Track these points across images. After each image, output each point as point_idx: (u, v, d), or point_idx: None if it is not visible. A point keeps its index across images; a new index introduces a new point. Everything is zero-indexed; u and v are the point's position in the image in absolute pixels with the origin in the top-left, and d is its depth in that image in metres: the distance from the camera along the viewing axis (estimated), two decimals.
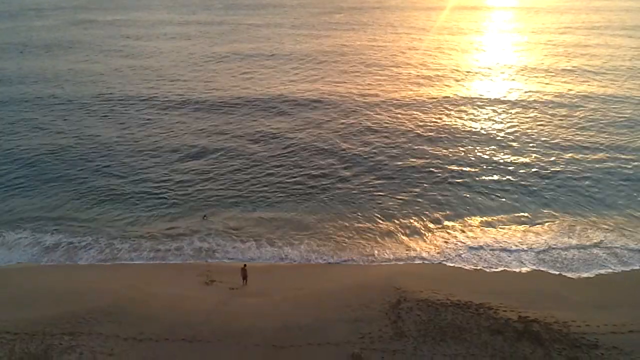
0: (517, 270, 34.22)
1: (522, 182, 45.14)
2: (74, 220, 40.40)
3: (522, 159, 48.97)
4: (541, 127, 55.37)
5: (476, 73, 75.13)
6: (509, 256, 35.61)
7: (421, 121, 57.14)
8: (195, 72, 78.80)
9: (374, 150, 50.68)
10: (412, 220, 40.01)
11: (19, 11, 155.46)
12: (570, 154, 49.90)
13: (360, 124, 56.48)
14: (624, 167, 47.17)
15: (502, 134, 54.30)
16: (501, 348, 24.51)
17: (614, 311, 28.17)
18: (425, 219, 40.11)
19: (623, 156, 49.31)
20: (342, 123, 56.74)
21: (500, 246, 36.74)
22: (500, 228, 38.88)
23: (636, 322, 26.64)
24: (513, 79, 72.36)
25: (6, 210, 41.57)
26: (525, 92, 66.40)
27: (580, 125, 55.66)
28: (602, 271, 33.78)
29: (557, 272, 33.85)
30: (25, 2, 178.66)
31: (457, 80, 70.86)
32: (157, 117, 59.34)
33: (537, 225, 39.04)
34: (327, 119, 58.06)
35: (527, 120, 57.64)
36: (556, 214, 40.30)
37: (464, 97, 64.35)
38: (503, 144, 51.91)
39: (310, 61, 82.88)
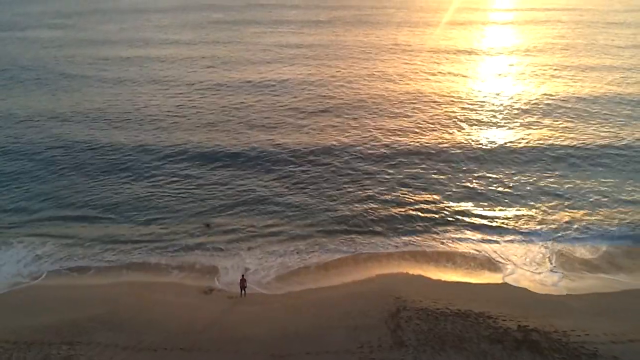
0: (516, 280, 34.21)
1: (521, 194, 45.41)
2: (68, 228, 40.80)
3: (529, 176, 49.15)
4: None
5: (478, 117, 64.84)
6: (510, 266, 35.62)
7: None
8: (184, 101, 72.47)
9: (372, 173, 50.25)
10: (410, 230, 40.37)
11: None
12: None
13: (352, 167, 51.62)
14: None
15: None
16: (501, 357, 24.42)
17: (613, 320, 28.11)
18: (423, 230, 40.39)
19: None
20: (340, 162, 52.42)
21: (499, 255, 36.84)
22: (499, 238, 39.05)
23: (636, 331, 26.60)
24: (511, 113, 65.82)
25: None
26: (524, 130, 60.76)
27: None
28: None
29: (557, 282, 33.87)
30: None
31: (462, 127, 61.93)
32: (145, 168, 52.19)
33: (537, 236, 39.22)
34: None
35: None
36: (555, 226, 40.48)
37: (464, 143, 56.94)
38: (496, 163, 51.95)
39: (305, 94, 75.04)
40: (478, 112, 65.89)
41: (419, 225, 41.02)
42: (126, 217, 42.45)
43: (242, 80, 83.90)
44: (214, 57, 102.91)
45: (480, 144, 55.71)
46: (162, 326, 27.74)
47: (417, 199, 44.95)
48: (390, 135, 58.20)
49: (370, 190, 46.26)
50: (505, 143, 55.89)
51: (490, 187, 46.52)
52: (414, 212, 42.84)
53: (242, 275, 32.89)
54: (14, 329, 27.24)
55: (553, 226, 40.49)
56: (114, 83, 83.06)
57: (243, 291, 32.41)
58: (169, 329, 27.50)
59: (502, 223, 41.10)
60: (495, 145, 55.37)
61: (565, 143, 55.65)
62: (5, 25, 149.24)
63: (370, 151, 54.23)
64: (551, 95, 72.75)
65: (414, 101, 70.82)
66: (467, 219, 41.69)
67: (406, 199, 44.84)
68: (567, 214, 42.24)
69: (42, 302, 30.85)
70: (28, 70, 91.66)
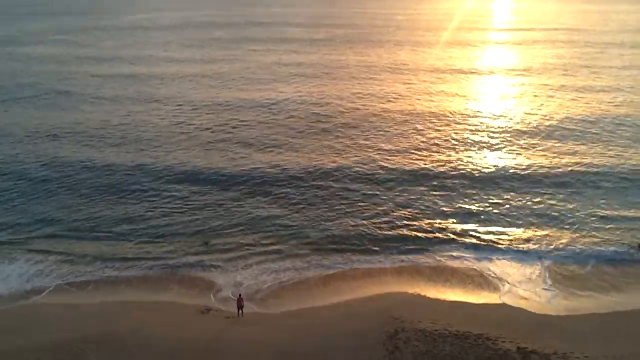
0: (514, 299, 34.05)
1: (518, 214, 45.60)
2: (68, 245, 40.94)
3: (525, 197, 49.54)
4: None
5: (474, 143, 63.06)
6: (506, 286, 35.53)
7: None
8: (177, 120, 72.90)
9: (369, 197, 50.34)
10: (408, 249, 40.44)
11: None
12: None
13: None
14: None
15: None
16: None
17: (613, 341, 27.94)
18: (421, 249, 40.46)
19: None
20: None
21: (497, 274, 36.81)
22: (496, 257, 39.10)
23: (636, 353, 26.43)
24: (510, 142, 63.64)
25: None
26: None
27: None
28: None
29: (555, 302, 33.73)
30: None
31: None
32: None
33: (534, 255, 39.26)
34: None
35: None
36: (556, 246, 40.62)
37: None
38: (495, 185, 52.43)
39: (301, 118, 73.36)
40: (476, 133, 66.22)
41: (417, 245, 41.00)
42: (126, 235, 42.46)
43: (242, 99, 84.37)
44: (214, 76, 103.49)
45: (477, 165, 55.79)
46: (158, 347, 27.48)
47: (414, 219, 44.93)
48: (387, 157, 58.33)
49: (367, 211, 46.24)
50: (502, 165, 56.03)
51: (488, 208, 46.54)
52: (411, 232, 42.85)
53: (239, 295, 32.75)
54: (10, 349, 26.98)
55: (549, 246, 40.52)
56: (113, 101, 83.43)
57: (240, 310, 32.20)
58: (164, 350, 27.24)
59: (499, 242, 41.07)
60: (492, 167, 55.46)
61: (561, 164, 55.84)
62: (6, 42, 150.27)
63: (367, 172, 54.26)
64: (548, 116, 73.23)
65: (411, 121, 71.27)
66: (464, 239, 41.66)
67: (403, 219, 44.80)
68: (563, 234, 42.29)
69: (40, 320, 30.64)
70: (27, 88, 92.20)
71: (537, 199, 48.03)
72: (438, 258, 39.18)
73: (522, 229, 42.94)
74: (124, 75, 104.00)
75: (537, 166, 55.30)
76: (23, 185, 51.39)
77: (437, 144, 62.27)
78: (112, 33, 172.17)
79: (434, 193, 49.52)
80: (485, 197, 48.70)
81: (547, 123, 70.04)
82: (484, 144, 62.04)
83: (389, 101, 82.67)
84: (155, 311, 32.15)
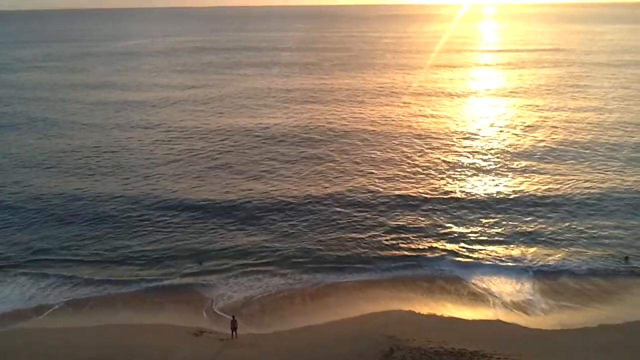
0: (507, 315, 34.08)
1: (509, 233, 45.93)
2: (64, 269, 40.62)
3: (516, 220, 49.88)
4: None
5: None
6: (499, 301, 35.60)
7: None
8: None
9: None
10: (400, 266, 40.57)
11: None
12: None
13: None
14: None
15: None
16: None
17: (607, 355, 27.97)
18: (413, 266, 40.60)
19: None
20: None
21: (489, 290, 36.93)
22: (488, 274, 39.23)
23: None
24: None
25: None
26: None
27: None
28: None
29: (548, 317, 33.79)
30: None
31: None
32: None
33: (526, 271, 39.43)
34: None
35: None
36: (551, 262, 40.90)
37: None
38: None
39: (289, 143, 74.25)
40: (464, 155, 67.12)
41: (408, 262, 41.15)
42: (121, 259, 42.24)
43: (233, 124, 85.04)
44: (205, 101, 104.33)
45: (466, 187, 56.32)
46: None
47: (405, 238, 45.10)
48: (377, 180, 58.59)
49: (358, 233, 46.23)
50: (490, 185, 56.57)
51: (478, 227, 46.83)
52: (403, 251, 42.98)
53: (233, 317, 32.52)
54: None
55: (540, 261, 40.78)
56: (104, 128, 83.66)
57: (234, 332, 31.97)
58: None
59: (490, 259, 41.28)
60: (481, 188, 55.96)
61: (549, 184, 56.45)
62: None
63: (358, 197, 54.27)
64: (535, 137, 74.50)
65: (401, 145, 72.16)
66: (456, 257, 41.82)
67: (394, 239, 44.93)
68: (552, 250, 42.61)
69: (38, 344, 30.10)
70: (19, 115, 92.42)
71: (526, 218, 48.46)
72: (430, 275, 39.26)
73: (512, 246, 43.24)
74: (115, 101, 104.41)
75: (524, 186, 55.93)
76: (15, 214, 50.92)
77: (426, 167, 62.83)
78: (103, 59, 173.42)
79: (425, 214, 49.77)
80: (475, 216, 49.01)
81: (534, 144, 71.14)
82: (472, 166, 62.67)
83: (379, 125, 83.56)
84: (150, 334, 31.72)
